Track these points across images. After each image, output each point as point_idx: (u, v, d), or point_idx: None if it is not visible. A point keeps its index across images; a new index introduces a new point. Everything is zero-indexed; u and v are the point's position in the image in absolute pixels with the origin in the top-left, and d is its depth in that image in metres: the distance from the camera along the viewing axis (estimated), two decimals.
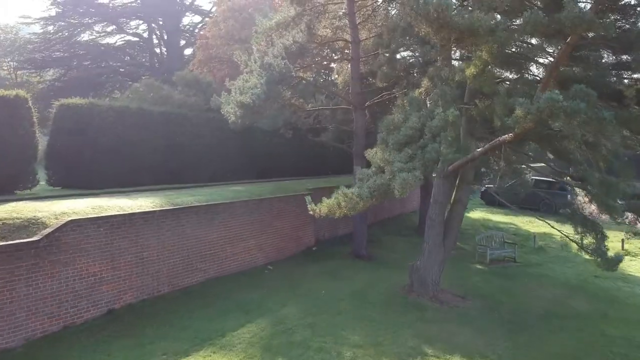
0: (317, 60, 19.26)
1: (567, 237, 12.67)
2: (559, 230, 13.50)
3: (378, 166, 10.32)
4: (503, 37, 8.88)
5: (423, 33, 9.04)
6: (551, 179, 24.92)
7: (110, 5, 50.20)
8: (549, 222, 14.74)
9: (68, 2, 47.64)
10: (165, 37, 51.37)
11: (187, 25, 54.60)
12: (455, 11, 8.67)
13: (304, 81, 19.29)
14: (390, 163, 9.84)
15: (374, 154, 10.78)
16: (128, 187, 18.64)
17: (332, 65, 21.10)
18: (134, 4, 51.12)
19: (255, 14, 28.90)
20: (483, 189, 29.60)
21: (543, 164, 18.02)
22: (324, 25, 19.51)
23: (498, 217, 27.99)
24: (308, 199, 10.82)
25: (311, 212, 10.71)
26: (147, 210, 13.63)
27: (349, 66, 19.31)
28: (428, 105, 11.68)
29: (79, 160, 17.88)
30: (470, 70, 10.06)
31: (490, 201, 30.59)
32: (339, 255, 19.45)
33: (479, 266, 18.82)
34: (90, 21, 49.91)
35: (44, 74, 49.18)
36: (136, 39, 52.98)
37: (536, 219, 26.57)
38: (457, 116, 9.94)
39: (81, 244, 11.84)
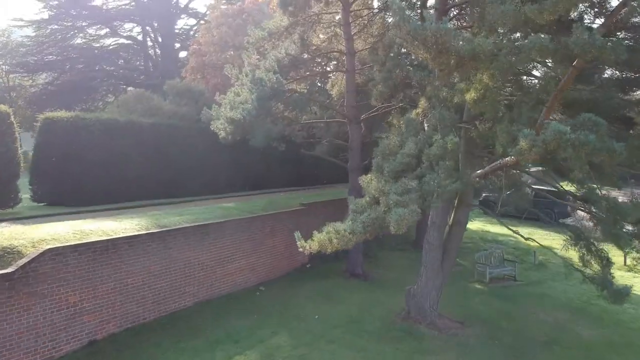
0: (312, 71, 18.61)
1: (571, 265, 12.08)
2: (560, 257, 12.92)
3: (372, 196, 9.70)
4: (507, 63, 8.27)
5: (420, 59, 8.44)
6: (551, 188, 24.34)
7: (104, 8, 49.46)
8: (549, 234, 14.19)
9: (61, 5, 46.97)
10: (160, 39, 50.70)
11: (182, 28, 53.90)
12: (453, 34, 8.05)
13: (297, 93, 18.67)
14: (385, 194, 9.23)
15: (369, 182, 10.16)
16: (116, 203, 18.10)
17: (330, 73, 20.43)
18: (128, 7, 50.45)
19: (249, 19, 28.53)
20: (481, 197, 29.03)
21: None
22: (319, 35, 18.91)
23: (497, 229, 27.39)
24: (297, 235, 10.18)
25: (301, 249, 10.06)
26: (131, 234, 13.01)
27: (344, 77, 18.70)
28: (425, 127, 11.07)
29: (64, 175, 17.29)
30: (471, 95, 9.45)
31: (489, 209, 29.97)
32: (334, 273, 18.84)
33: (478, 286, 18.22)
34: (83, 24, 49.21)
35: (37, 77, 48.40)
36: (130, 41, 52.30)
37: (536, 230, 26.19)
38: (456, 143, 9.34)
39: (60, 273, 11.23)
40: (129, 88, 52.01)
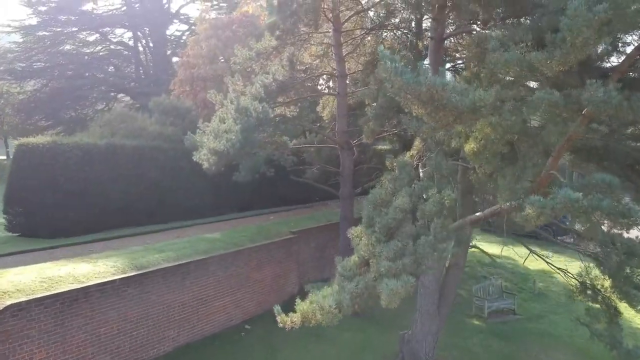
0: (301, 94, 17.69)
1: (577, 319, 11.22)
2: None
3: (362, 257, 8.81)
4: (511, 120, 7.40)
5: (415, 114, 7.58)
6: None
7: (94, 13, 48.37)
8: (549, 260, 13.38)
9: (50, 11, 45.89)
10: (151, 45, 49.67)
11: (173, 35, 52.77)
12: (450, 87, 7.17)
13: (287, 116, 17.81)
14: (376, 256, 8.34)
15: (358, 236, 9.26)
16: (96, 233, 17.22)
17: (320, 97, 19.52)
18: (119, 13, 49.38)
19: (239, 30, 27.59)
20: None
21: None
22: (309, 54, 18.02)
23: (494, 249, 26.50)
24: (277, 309, 9.29)
25: (281, 325, 9.17)
26: (105, 280, 12.08)
27: (335, 100, 17.81)
28: (420, 173, 10.20)
29: (39, 206, 16.37)
30: (470, 146, 8.59)
31: (486, 227, 29.15)
32: None
33: (476, 322, 17.35)
34: (73, 29, 48.09)
35: (25, 84, 47.29)
36: (121, 47, 51.27)
37: (535, 249, 25.28)
38: (454, 200, 8.47)
39: (24, 330, 10.33)
40: (120, 95, 51.08)
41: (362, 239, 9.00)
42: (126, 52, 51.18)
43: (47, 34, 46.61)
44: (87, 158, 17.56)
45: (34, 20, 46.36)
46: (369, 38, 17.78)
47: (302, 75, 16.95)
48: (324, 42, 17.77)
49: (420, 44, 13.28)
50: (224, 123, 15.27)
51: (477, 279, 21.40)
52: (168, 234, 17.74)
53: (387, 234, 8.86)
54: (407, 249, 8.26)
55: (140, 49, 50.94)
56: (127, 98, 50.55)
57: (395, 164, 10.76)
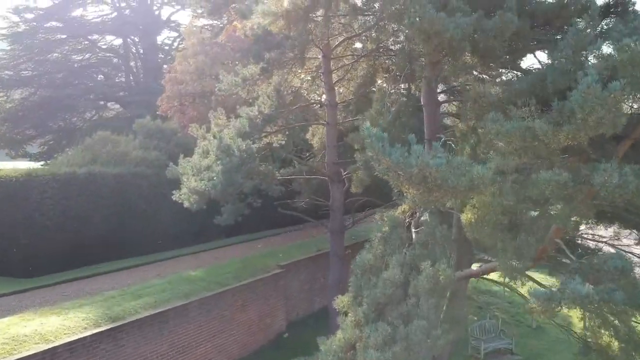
0: (290, 121, 16.83)
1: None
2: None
3: (348, 340, 7.96)
4: (512, 201, 6.61)
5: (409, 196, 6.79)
6: None
7: (83, 20, 47.39)
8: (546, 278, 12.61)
9: (38, 18, 44.87)
10: (142, 52, 48.73)
11: (164, 41, 51.79)
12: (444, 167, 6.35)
13: (274, 145, 16.98)
14: (363, 341, 7.52)
15: (344, 313, 8.45)
16: (74, 269, 16.41)
17: (309, 125, 18.66)
18: (108, 20, 48.41)
19: (227, 46, 26.68)
20: None
21: None
22: (298, 78, 17.19)
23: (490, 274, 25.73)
24: None
25: None
26: (75, 338, 11.21)
27: (325, 129, 16.98)
28: (414, 234, 9.37)
29: (13, 243, 15.52)
30: (467, 217, 7.79)
31: None
32: (314, 342, 17.03)
33: None
34: (61, 37, 47.05)
35: (12, 93, 46.20)
36: (110, 54, 50.28)
37: (531, 272, 24.48)
38: (449, 276, 7.65)
39: None
40: (110, 103, 50.08)
41: (349, 314, 8.16)
42: (116, 60, 50.21)
43: (34, 41, 45.62)
44: (65, 190, 16.72)
45: (21, 28, 45.33)
46: (362, 61, 16.91)
47: (290, 104, 16.03)
48: (314, 65, 16.94)
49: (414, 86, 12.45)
50: (207, 157, 14.46)
51: (472, 309, 20.56)
52: (149, 270, 16.93)
53: (376, 309, 8.05)
54: (398, 333, 7.44)
55: (131, 56, 49.98)
56: (117, 106, 49.65)
57: (385, 219, 9.96)
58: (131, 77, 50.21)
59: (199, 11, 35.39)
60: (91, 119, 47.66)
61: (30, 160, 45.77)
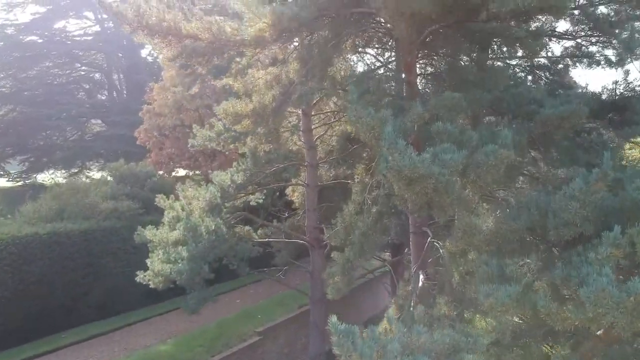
0: (267, 182, 15.71)
1: None
2: None
3: None
4: None
5: None
6: None
7: (64, 35, 46.09)
8: None
9: (19, 33, 43.59)
10: (125, 67, 47.46)
11: (146, 59, 50.34)
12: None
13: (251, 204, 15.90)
14: None
15: None
16: (34, 340, 15.27)
17: (289, 185, 17.52)
18: (90, 34, 47.19)
19: (207, 78, 25.51)
20: None
21: None
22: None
23: None
24: None
25: None
26: None
27: (305, 190, 15.89)
28: None
29: None
30: None
31: None
32: None
33: None
34: (43, 51, 45.64)
35: None
36: (93, 69, 49.08)
37: None
38: None
39: None
40: (92, 120, 48.77)
41: None
42: (98, 76, 48.97)
43: (14, 57, 44.24)
44: (26, 254, 15.53)
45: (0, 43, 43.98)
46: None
47: (267, 164, 14.89)
48: (291, 123, 15.82)
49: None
50: (175, 229, 13.34)
51: None
52: (117, 340, 15.79)
53: None
54: None
55: (114, 72, 48.76)
56: (99, 121, 48.41)
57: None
58: (115, 94, 48.99)
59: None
60: (72, 137, 46.40)
61: (8, 181, 44.50)
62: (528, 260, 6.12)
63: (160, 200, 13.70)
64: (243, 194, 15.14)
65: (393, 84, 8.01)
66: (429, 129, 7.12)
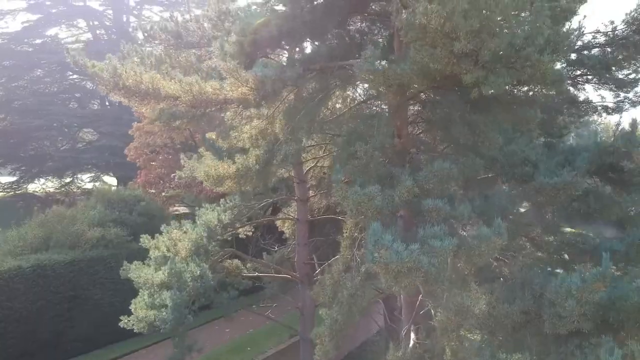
0: (257, 217, 15.36)
1: None
2: None
3: None
4: None
5: None
6: None
7: (55, 43, 45.62)
8: None
9: (9, 41, 43.16)
10: None
11: None
12: None
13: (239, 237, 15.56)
14: None
15: None
16: None
17: (278, 220, 17.15)
18: (81, 45, 46.67)
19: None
20: None
21: None
22: None
23: None
24: None
25: None
26: None
27: (295, 224, 15.54)
28: None
29: None
30: None
31: None
32: None
33: None
34: (34, 59, 45.12)
35: None
36: (85, 77, 48.39)
37: None
38: None
39: None
40: (84, 129, 48.28)
41: None
42: (90, 85, 48.43)
43: (6, 64, 43.77)
44: (9, 290, 15.13)
45: None
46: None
47: (256, 201, 14.53)
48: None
49: None
50: (160, 270, 12.94)
51: None
52: None
53: None
54: None
55: None
56: (91, 130, 47.96)
57: None
58: (107, 102, 48.49)
59: None
60: (63, 147, 45.95)
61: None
62: (521, 356, 5.76)
63: (144, 240, 13.28)
64: (231, 230, 14.77)
65: (381, 146, 7.62)
66: (420, 203, 6.79)
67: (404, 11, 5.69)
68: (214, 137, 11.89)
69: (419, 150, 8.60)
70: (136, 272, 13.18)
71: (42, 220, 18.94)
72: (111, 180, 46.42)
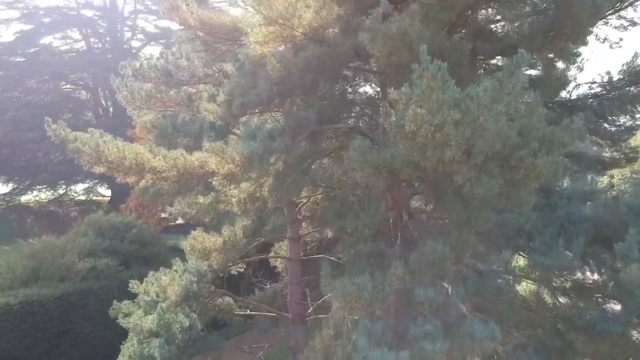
0: (249, 254, 15.10)
1: None
2: None
3: None
4: None
5: None
6: None
7: (48, 53, 45.22)
8: None
9: (2, 52, 42.77)
10: (110, 91, 46.65)
11: None
12: None
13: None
14: None
15: None
16: None
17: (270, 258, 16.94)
18: (75, 50, 46.37)
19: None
20: None
21: None
22: None
23: None
24: None
25: None
26: None
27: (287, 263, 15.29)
28: None
29: None
30: None
31: None
32: None
33: None
34: (26, 69, 44.72)
35: None
36: (79, 87, 48.24)
37: None
38: None
39: None
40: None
41: None
42: (84, 95, 48.15)
43: None
44: None
45: None
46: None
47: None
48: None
49: None
50: (150, 315, 12.74)
51: None
52: None
53: None
54: None
55: (100, 92, 47.94)
56: None
57: None
58: (100, 112, 48.21)
59: None
60: (56, 158, 45.52)
61: None
62: None
63: (133, 285, 13.05)
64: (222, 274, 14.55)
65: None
66: (411, 291, 6.60)
67: (392, 112, 5.49)
68: (201, 201, 11.66)
69: (411, 217, 8.38)
70: (125, 317, 13.01)
71: (32, 251, 18.71)
72: (105, 192, 46.12)
